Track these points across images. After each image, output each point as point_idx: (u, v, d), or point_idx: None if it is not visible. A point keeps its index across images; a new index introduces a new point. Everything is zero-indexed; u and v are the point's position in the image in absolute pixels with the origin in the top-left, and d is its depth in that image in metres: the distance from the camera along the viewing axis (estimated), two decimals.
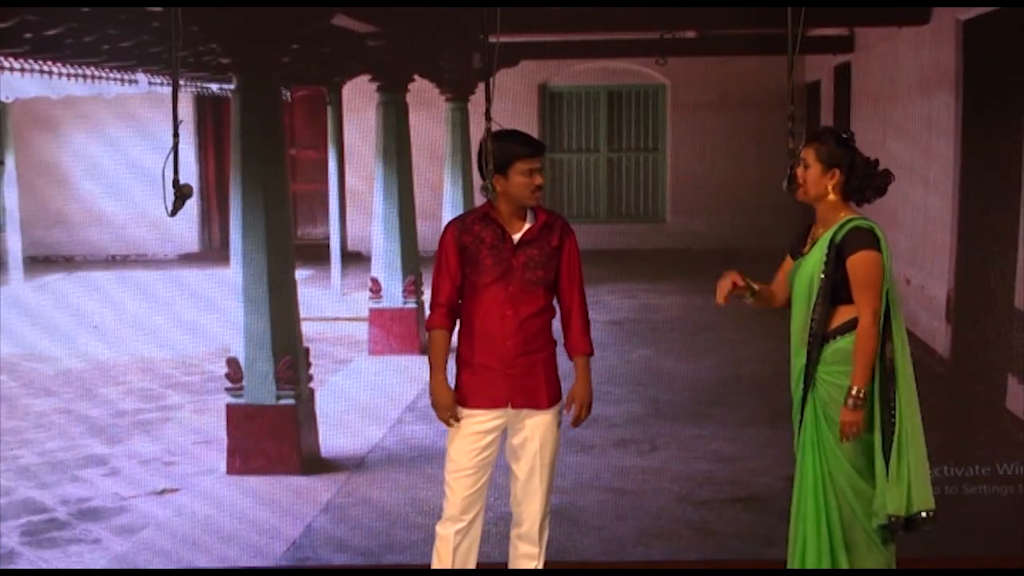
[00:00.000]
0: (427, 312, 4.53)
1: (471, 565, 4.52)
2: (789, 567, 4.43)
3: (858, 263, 4.15)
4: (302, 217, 16.92)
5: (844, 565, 4.29)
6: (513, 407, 4.40)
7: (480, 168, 4.36)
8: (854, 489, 4.27)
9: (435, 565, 4.51)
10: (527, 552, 4.50)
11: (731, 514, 6.47)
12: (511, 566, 4.54)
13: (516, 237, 4.36)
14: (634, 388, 9.20)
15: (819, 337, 4.23)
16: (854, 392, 4.14)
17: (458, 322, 4.46)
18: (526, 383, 4.38)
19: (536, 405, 4.41)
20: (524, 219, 4.39)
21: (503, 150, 4.32)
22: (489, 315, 4.34)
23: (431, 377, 4.38)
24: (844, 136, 4.29)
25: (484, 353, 4.36)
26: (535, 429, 4.43)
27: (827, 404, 4.26)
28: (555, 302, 4.50)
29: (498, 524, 4.60)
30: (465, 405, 4.42)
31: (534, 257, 4.36)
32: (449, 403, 4.37)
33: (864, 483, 4.26)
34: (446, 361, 4.40)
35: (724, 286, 4.33)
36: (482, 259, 4.33)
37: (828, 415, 4.26)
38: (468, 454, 4.41)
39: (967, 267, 9.20)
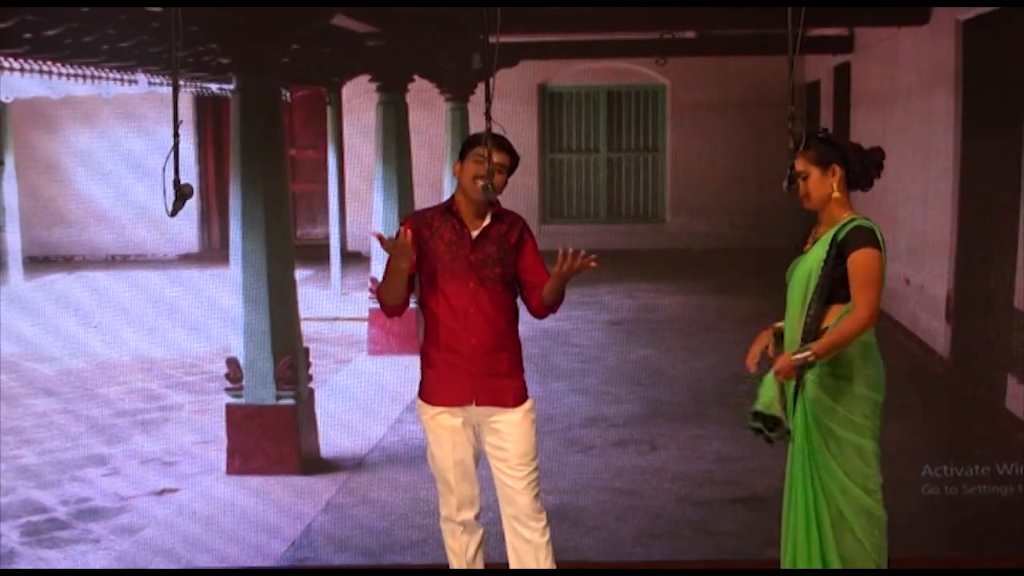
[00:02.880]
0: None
1: (479, 563, 4.56)
2: (782, 567, 4.45)
3: (859, 260, 4.16)
4: (302, 217, 16.93)
5: (835, 565, 4.30)
6: (478, 404, 4.39)
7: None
8: (843, 492, 4.28)
9: (453, 565, 4.56)
10: (526, 536, 4.45)
11: (731, 514, 6.47)
12: (511, 552, 4.52)
13: (474, 234, 4.38)
14: (634, 388, 9.21)
15: (812, 335, 4.24)
16: (808, 355, 4.13)
17: (422, 325, 4.48)
18: (490, 381, 4.38)
19: (501, 403, 4.41)
20: (483, 217, 4.41)
21: (470, 138, 4.44)
22: (451, 312, 4.35)
23: (390, 264, 4.32)
24: (822, 135, 4.34)
25: (447, 350, 4.37)
26: (508, 436, 4.41)
27: (816, 408, 4.26)
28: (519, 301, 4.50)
29: (498, 524, 4.60)
30: (430, 403, 4.44)
31: (492, 254, 4.38)
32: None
33: (853, 486, 4.27)
34: None
35: (755, 353, 4.38)
36: (440, 254, 4.36)
37: (817, 419, 4.26)
38: (447, 452, 4.44)
39: (967, 267, 9.20)
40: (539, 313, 4.52)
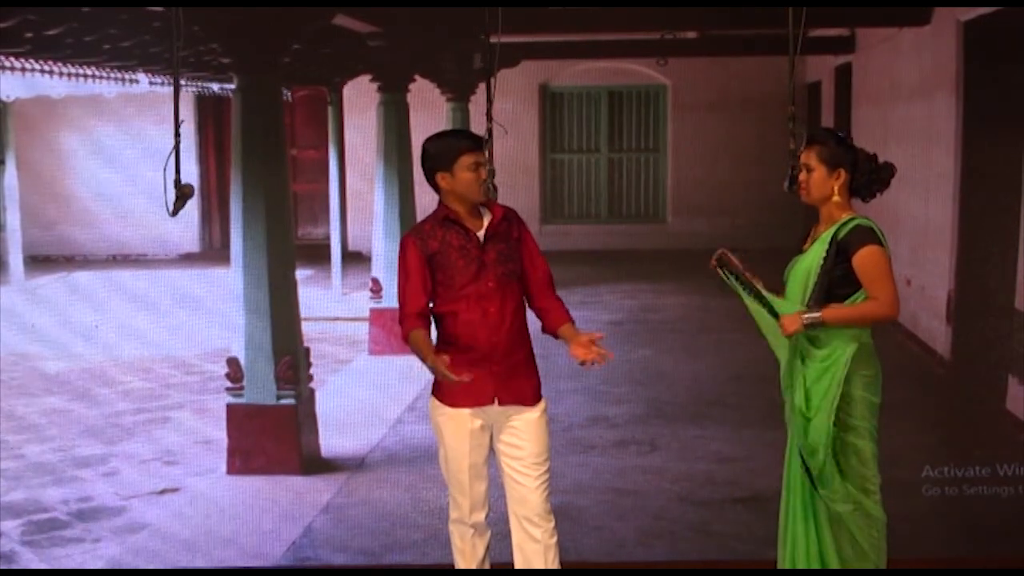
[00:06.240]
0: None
1: (487, 565, 4.55)
2: (779, 567, 4.45)
3: (866, 258, 4.16)
4: (303, 217, 16.92)
5: (834, 565, 4.30)
6: (500, 404, 4.37)
7: (424, 169, 4.35)
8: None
9: (460, 566, 4.54)
10: (536, 536, 4.43)
11: (731, 514, 6.47)
12: (516, 552, 4.51)
13: (481, 234, 4.35)
14: (634, 388, 9.20)
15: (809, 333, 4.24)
16: (818, 316, 4.14)
17: (435, 330, 4.41)
18: (511, 380, 4.36)
19: (523, 402, 4.40)
20: (480, 216, 4.38)
21: (447, 146, 4.33)
22: (471, 315, 4.31)
23: (427, 361, 4.19)
24: (842, 135, 4.31)
25: (468, 352, 4.31)
26: (524, 435, 4.40)
27: None
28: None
29: (500, 523, 4.60)
30: (451, 404, 4.38)
31: (503, 251, 4.36)
32: (444, 362, 4.17)
33: (851, 488, 4.27)
34: (432, 348, 4.26)
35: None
36: (454, 261, 4.30)
37: None
38: (464, 454, 4.41)
39: (967, 268, 9.20)
40: (530, 305, 4.49)
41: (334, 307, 12.43)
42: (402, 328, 4.35)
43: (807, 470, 4.26)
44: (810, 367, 4.24)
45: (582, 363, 4.28)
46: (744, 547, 5.97)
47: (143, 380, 9.98)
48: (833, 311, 4.16)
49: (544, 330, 4.51)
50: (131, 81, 10.63)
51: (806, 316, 4.16)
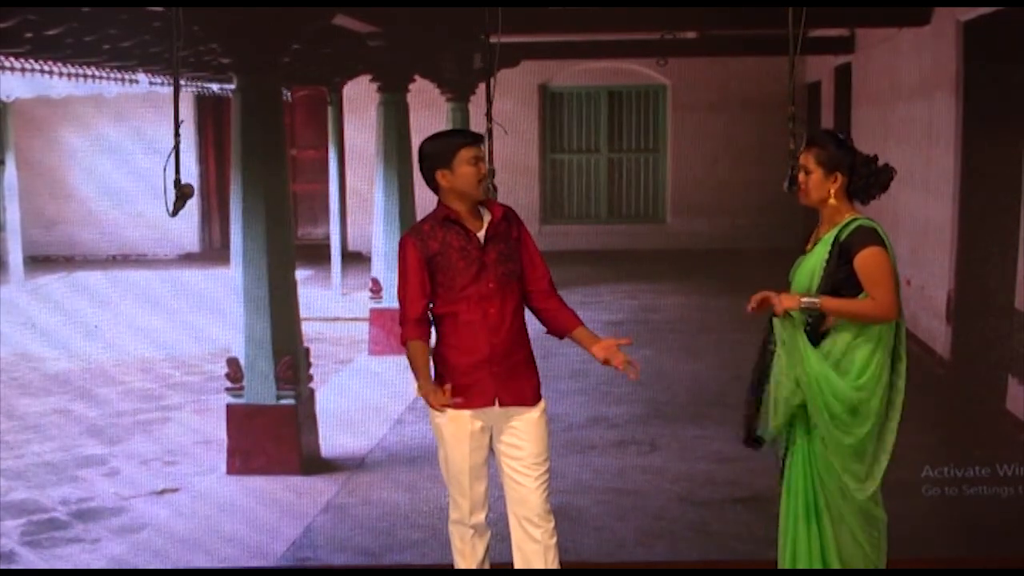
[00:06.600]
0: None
1: (487, 565, 4.55)
2: (780, 567, 4.45)
3: (867, 259, 4.15)
4: (303, 217, 16.91)
5: (835, 565, 4.30)
6: (500, 405, 4.37)
7: (423, 169, 4.34)
8: (843, 492, 4.28)
9: (460, 566, 4.53)
10: (536, 536, 4.43)
11: (731, 514, 6.47)
12: (516, 553, 4.51)
13: (481, 235, 4.34)
14: (634, 388, 9.19)
15: (814, 334, 4.24)
16: (816, 302, 4.13)
17: (435, 331, 4.41)
18: (511, 381, 4.36)
19: (523, 402, 4.40)
20: (480, 216, 4.37)
21: (445, 143, 4.33)
22: (471, 315, 4.30)
23: (419, 384, 4.25)
24: (842, 138, 4.29)
25: (469, 354, 4.31)
26: (524, 435, 4.40)
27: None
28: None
29: (498, 524, 4.61)
30: (451, 406, 4.36)
31: (503, 251, 4.35)
32: (438, 393, 4.22)
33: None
34: (428, 368, 4.33)
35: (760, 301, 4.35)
36: (454, 263, 4.29)
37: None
38: (465, 456, 4.40)
39: (967, 268, 9.20)
40: (531, 306, 4.50)
41: (334, 307, 12.43)
42: (402, 332, 4.36)
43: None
44: (850, 381, 4.23)
45: (605, 362, 4.41)
46: (744, 547, 5.97)
47: (143, 380, 9.97)
48: (831, 300, 4.15)
49: (551, 332, 4.50)
50: (131, 81, 10.63)
51: (805, 299, 4.15)
